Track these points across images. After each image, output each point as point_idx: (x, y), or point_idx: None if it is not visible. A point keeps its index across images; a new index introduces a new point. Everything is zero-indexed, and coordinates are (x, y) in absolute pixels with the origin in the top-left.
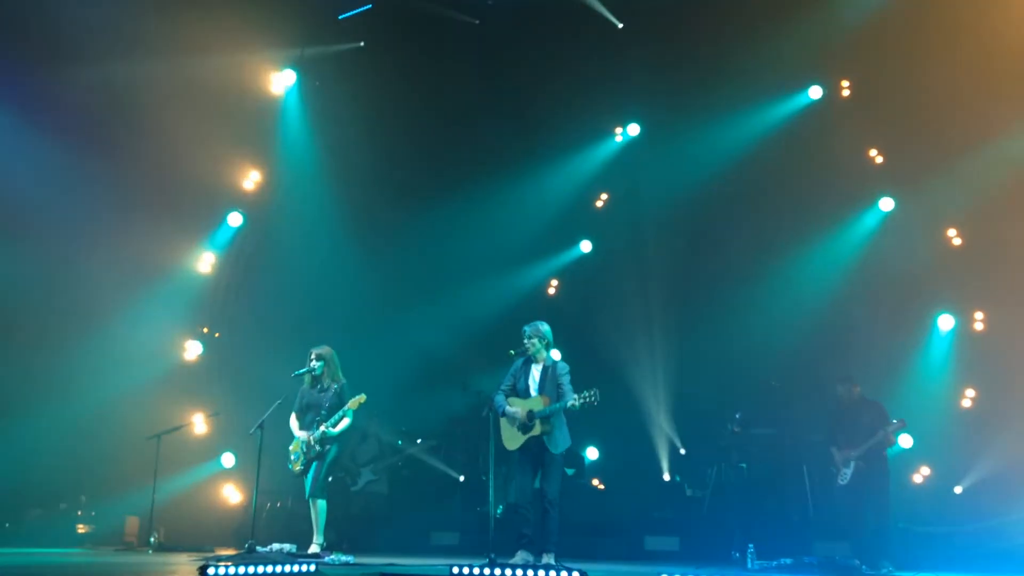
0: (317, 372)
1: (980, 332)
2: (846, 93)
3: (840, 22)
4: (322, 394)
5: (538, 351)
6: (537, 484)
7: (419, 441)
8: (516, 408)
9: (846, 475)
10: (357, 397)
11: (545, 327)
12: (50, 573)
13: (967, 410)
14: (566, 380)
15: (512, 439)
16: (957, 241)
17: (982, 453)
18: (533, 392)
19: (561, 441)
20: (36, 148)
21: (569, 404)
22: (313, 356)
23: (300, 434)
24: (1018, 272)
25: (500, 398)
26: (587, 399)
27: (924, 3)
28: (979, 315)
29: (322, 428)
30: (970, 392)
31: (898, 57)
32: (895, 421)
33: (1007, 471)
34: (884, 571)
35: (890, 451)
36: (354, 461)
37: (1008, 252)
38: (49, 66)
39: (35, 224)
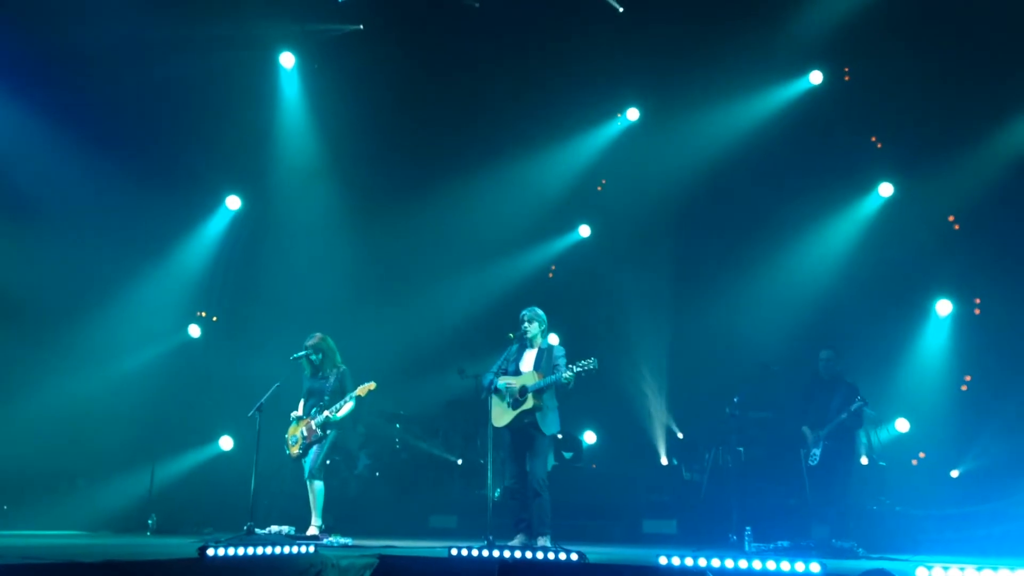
0: (317, 362)
1: (978, 317)
2: (847, 78)
3: (840, 6)
4: (323, 381)
5: (535, 336)
6: (528, 467)
7: (397, 426)
8: (510, 381)
9: (815, 455)
10: (366, 384)
11: (542, 313)
12: (49, 555)
13: (964, 395)
14: (562, 363)
15: (501, 415)
16: (956, 227)
17: (979, 437)
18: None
19: (552, 423)
20: (45, 135)
21: (564, 376)
22: (310, 348)
23: (301, 421)
24: (1016, 257)
25: (491, 376)
26: (584, 367)
27: None
28: (977, 300)
29: (325, 414)
30: (967, 377)
31: (898, 42)
32: (859, 399)
33: (1003, 455)
34: (847, 545)
35: (884, 435)
36: (348, 446)
37: (1006, 238)
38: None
39: (42, 208)
